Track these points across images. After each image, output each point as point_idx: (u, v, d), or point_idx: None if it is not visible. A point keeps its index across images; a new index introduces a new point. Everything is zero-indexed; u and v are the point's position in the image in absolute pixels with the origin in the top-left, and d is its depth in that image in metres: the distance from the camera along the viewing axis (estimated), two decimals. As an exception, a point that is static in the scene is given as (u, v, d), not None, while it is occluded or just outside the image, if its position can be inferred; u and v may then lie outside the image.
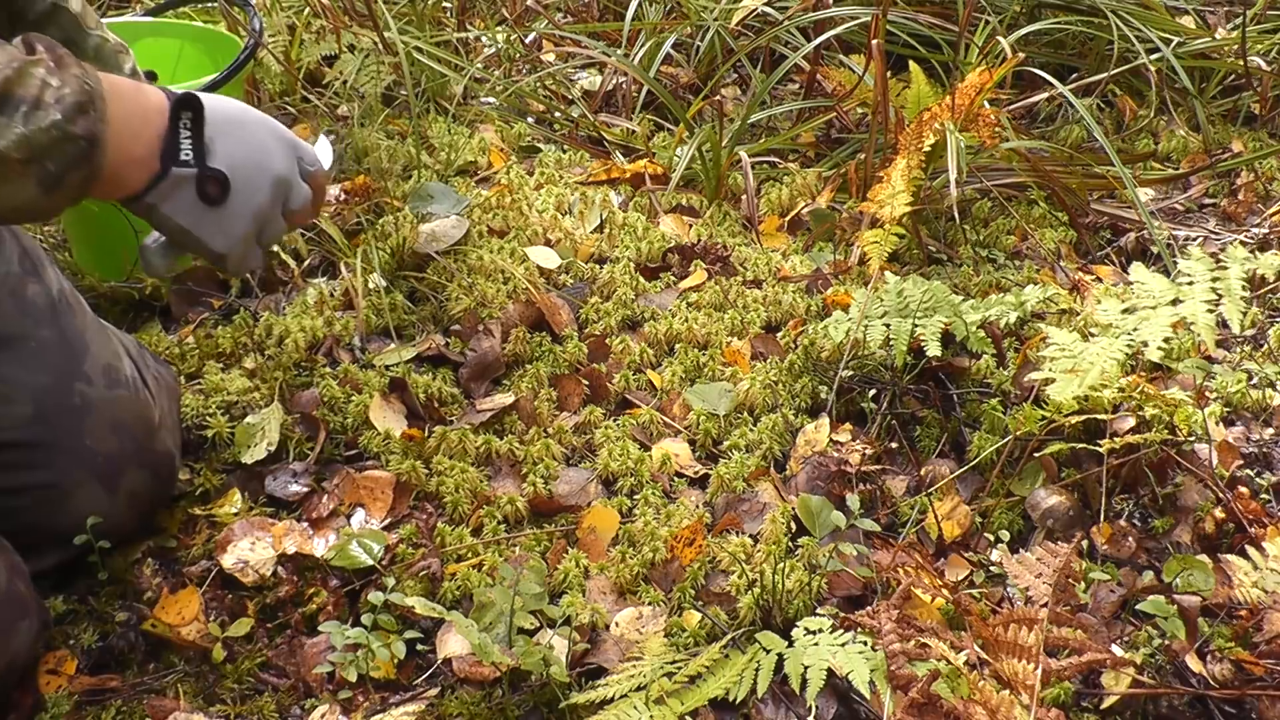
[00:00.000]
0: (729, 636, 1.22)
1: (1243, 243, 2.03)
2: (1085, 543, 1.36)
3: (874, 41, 1.90)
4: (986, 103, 1.85)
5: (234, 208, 1.05)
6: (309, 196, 1.13)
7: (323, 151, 1.24)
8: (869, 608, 1.10)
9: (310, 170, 1.13)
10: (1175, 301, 1.18)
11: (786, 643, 1.11)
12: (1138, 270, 1.27)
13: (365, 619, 1.23)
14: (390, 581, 1.26)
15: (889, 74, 2.14)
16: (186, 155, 1.01)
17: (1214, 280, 1.15)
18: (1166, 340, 1.14)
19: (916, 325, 1.52)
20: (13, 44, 0.93)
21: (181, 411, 1.45)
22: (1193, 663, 1.21)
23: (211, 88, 1.63)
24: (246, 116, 1.07)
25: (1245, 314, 1.14)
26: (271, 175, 1.07)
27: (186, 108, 1.01)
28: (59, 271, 1.30)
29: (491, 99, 2.43)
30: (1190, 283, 1.18)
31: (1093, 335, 1.26)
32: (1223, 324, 1.15)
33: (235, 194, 1.04)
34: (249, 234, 1.08)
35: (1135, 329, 1.17)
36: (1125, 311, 1.21)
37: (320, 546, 1.33)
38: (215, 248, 1.07)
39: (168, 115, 1.00)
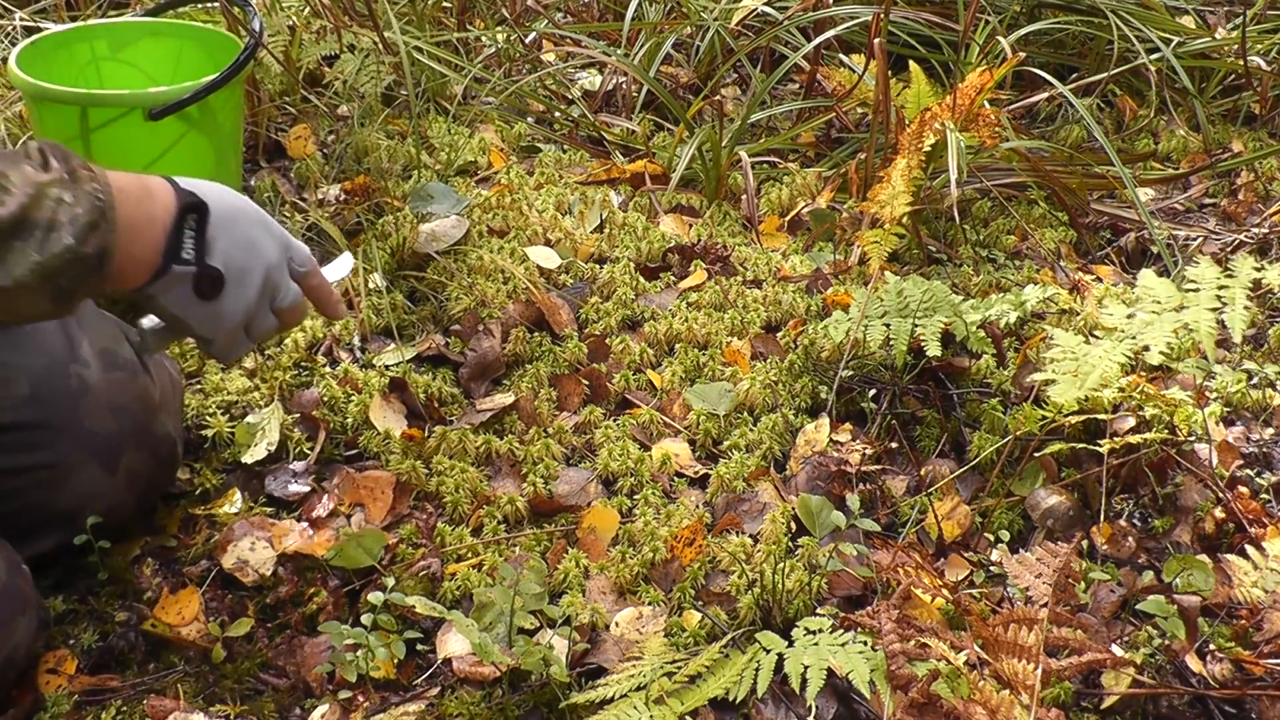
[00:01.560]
0: (729, 636, 1.22)
1: (1243, 242, 2.03)
2: (1085, 543, 1.36)
3: (875, 40, 1.91)
4: (986, 103, 1.85)
5: (226, 303, 1.08)
6: (299, 296, 1.15)
7: (343, 264, 1.30)
8: (869, 608, 1.10)
9: (301, 272, 1.15)
10: (1180, 308, 1.18)
11: (786, 643, 1.11)
12: (1146, 276, 1.27)
13: (365, 619, 1.23)
14: (390, 581, 1.26)
15: (889, 74, 2.14)
16: (188, 255, 1.04)
17: (1220, 288, 1.16)
18: (1169, 345, 1.14)
19: (916, 325, 1.52)
20: (26, 152, 0.94)
21: (183, 398, 1.45)
22: (1193, 663, 1.21)
23: (211, 88, 1.63)
24: (242, 213, 1.10)
25: (1247, 322, 1.14)
26: (261, 270, 1.10)
27: (193, 210, 1.04)
28: None
29: (492, 99, 2.43)
30: (1196, 289, 1.18)
31: (1094, 337, 1.26)
32: (1223, 328, 1.15)
33: (228, 290, 1.08)
34: (238, 326, 1.12)
35: (1138, 333, 1.17)
36: (1130, 316, 1.22)
37: (320, 546, 1.33)
38: (206, 336, 1.12)
39: (173, 217, 1.03)
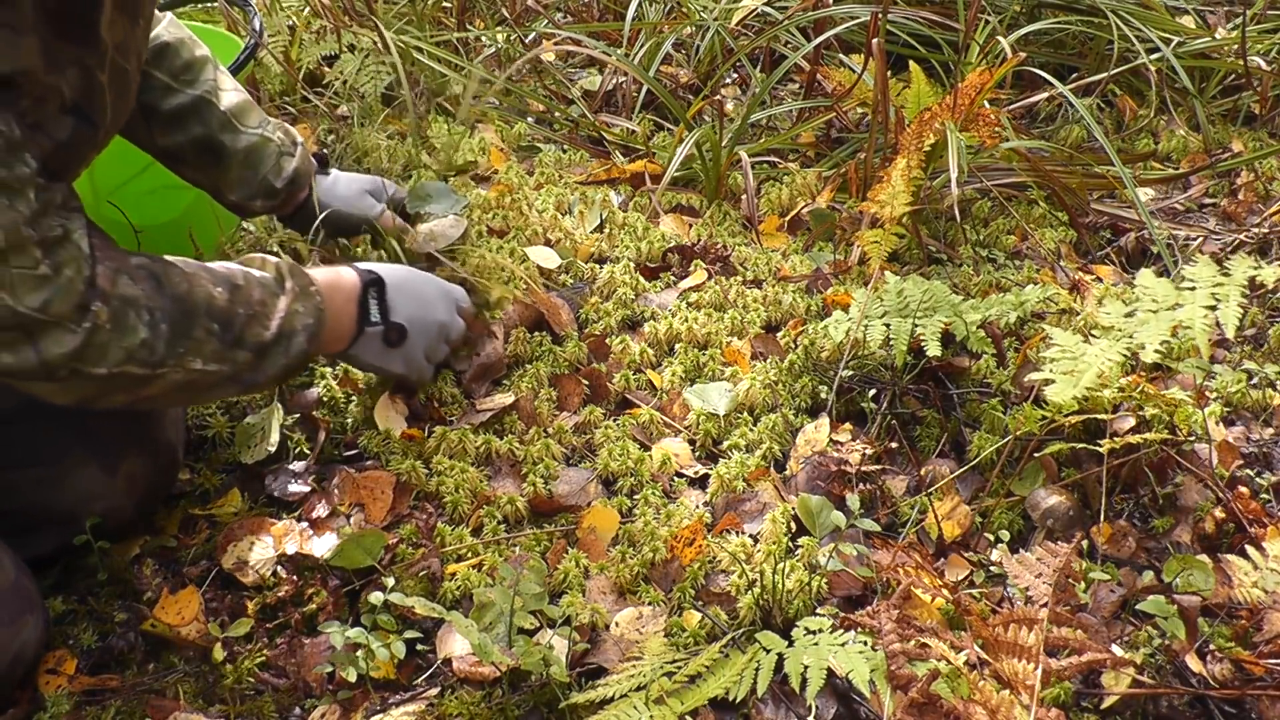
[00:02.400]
0: (729, 636, 1.22)
1: (1243, 242, 2.03)
2: (1085, 543, 1.36)
3: (874, 40, 1.90)
4: (986, 102, 1.85)
5: (410, 346, 1.41)
6: (463, 328, 1.51)
7: (453, 224, 1.77)
8: (869, 608, 1.10)
9: (463, 309, 1.52)
10: (1176, 306, 1.18)
11: (786, 643, 1.11)
12: (1144, 275, 1.27)
13: (365, 619, 1.23)
14: (390, 581, 1.26)
15: (889, 74, 2.14)
16: (375, 318, 1.36)
17: (1216, 286, 1.16)
18: (1164, 344, 1.14)
19: (916, 325, 1.52)
20: (267, 270, 1.22)
21: (185, 414, 1.45)
22: (1193, 663, 1.21)
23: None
24: (415, 278, 1.44)
25: (1244, 316, 1.14)
26: (436, 322, 1.45)
27: (373, 284, 1.36)
28: None
29: (492, 99, 2.43)
30: (1193, 288, 1.18)
31: (1094, 336, 1.26)
32: (1219, 327, 1.16)
33: (411, 337, 1.40)
34: (422, 359, 1.45)
35: (1135, 332, 1.17)
36: (1128, 315, 1.22)
37: (320, 546, 1.33)
38: (398, 372, 1.44)
39: (359, 293, 1.35)
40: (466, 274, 1.67)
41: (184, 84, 1.45)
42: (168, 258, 1.13)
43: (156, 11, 1.39)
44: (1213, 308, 1.14)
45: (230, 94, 1.50)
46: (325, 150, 2.14)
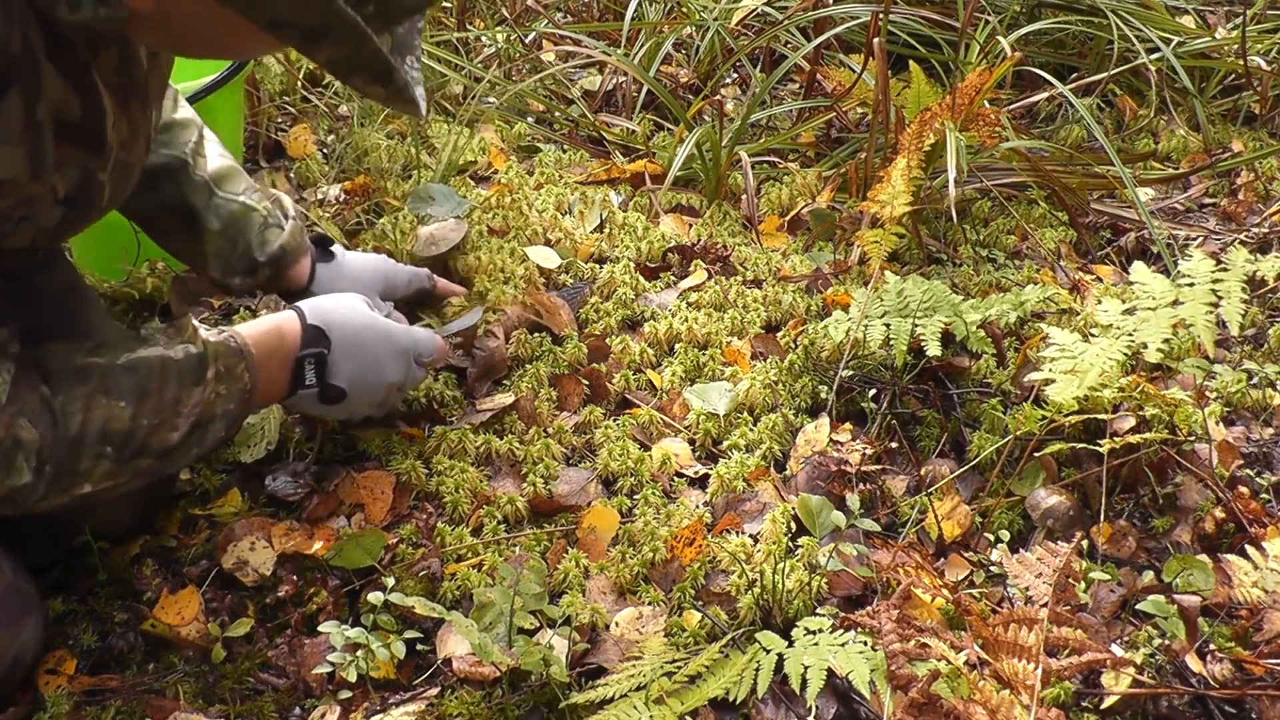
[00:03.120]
0: (729, 636, 1.22)
1: (1243, 242, 2.03)
2: (1085, 543, 1.35)
3: (875, 40, 1.90)
4: (986, 102, 1.85)
5: (351, 404, 1.33)
6: (423, 378, 1.43)
7: (472, 317, 1.62)
8: (869, 608, 1.10)
9: (427, 360, 1.41)
10: (1175, 303, 1.18)
11: (786, 643, 1.11)
12: (1139, 271, 1.26)
13: (365, 619, 1.23)
14: (390, 581, 1.26)
15: (889, 74, 2.14)
16: (310, 382, 1.28)
17: (1214, 282, 1.15)
18: (1166, 341, 1.13)
19: (916, 325, 1.52)
20: (192, 348, 1.14)
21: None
22: (1193, 663, 1.21)
23: (212, 88, 1.63)
24: (365, 336, 1.33)
25: (1245, 315, 1.14)
26: (383, 384, 1.36)
27: (315, 345, 1.28)
28: (70, 264, 1.31)
29: (492, 99, 2.43)
30: (1191, 284, 1.18)
31: (1093, 335, 1.26)
32: (1221, 324, 1.15)
33: (351, 397, 1.32)
34: (363, 413, 1.39)
35: (1135, 330, 1.17)
36: (1126, 312, 1.21)
37: (320, 546, 1.33)
38: (339, 419, 1.40)
39: (296, 360, 1.27)
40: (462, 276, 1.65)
41: (160, 144, 1.39)
42: (86, 361, 1.08)
43: None
44: (1214, 304, 1.14)
45: (214, 160, 1.44)
46: (325, 150, 2.14)
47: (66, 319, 1.25)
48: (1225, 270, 1.17)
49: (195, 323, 1.17)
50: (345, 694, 1.18)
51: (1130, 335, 1.17)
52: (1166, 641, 1.22)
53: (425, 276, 1.66)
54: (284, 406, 1.33)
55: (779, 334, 1.71)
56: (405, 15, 0.94)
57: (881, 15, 1.94)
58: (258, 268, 1.46)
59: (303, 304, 1.31)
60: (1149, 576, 1.31)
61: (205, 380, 1.13)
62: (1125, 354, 1.16)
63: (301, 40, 0.87)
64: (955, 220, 1.86)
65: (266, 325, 1.25)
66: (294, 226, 1.49)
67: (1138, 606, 1.26)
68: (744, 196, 2.06)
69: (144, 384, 1.09)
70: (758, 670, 1.09)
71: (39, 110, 0.92)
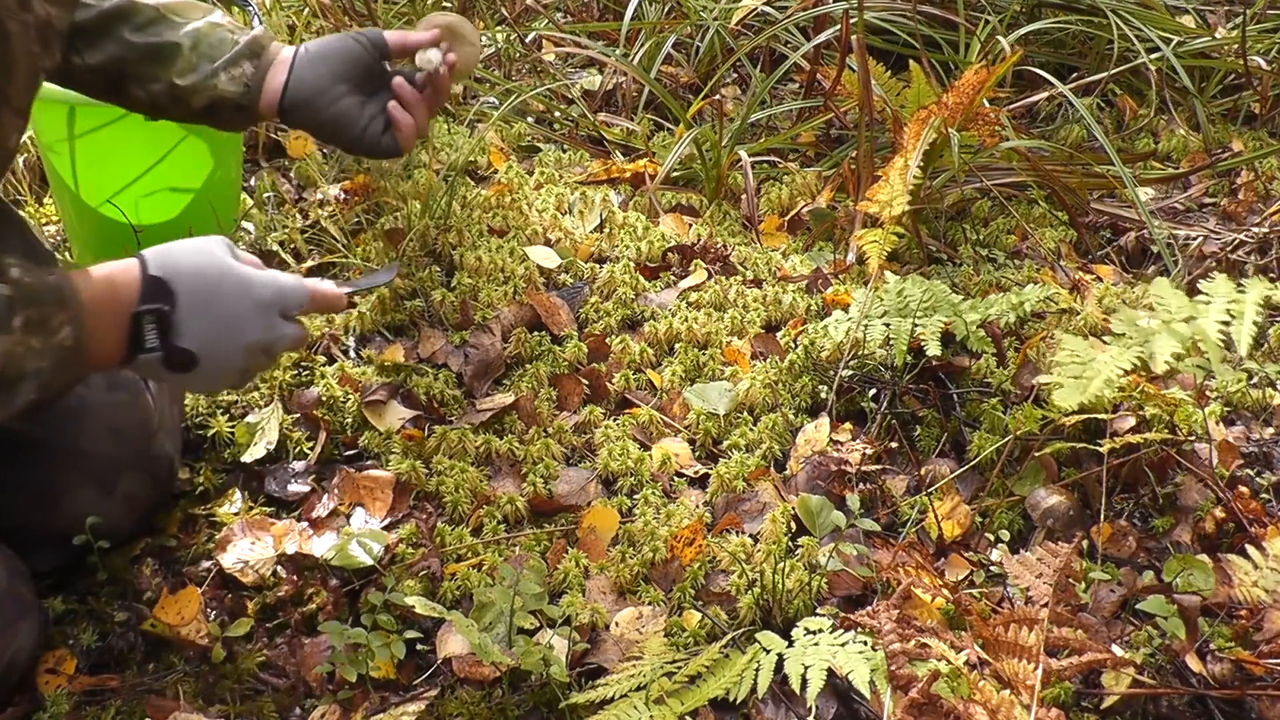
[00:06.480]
0: (729, 636, 1.22)
1: (1243, 241, 2.03)
2: (1085, 542, 1.35)
3: (853, 37, 1.90)
4: (986, 101, 1.85)
5: (205, 371, 1.07)
6: (294, 335, 1.12)
7: (387, 273, 1.43)
8: (869, 608, 1.10)
9: (295, 315, 1.13)
10: (1189, 319, 1.17)
11: (786, 643, 1.11)
12: (1160, 286, 1.24)
13: (365, 619, 1.23)
14: (390, 581, 1.26)
15: (890, 74, 2.14)
16: (152, 344, 1.04)
17: (1231, 303, 1.15)
18: (1174, 355, 1.13)
19: (916, 325, 1.52)
20: None
21: (182, 411, 1.45)
22: (1193, 663, 1.21)
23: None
24: (221, 288, 1.07)
25: (1256, 336, 1.12)
26: (242, 344, 1.08)
27: (155, 300, 1.03)
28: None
29: (492, 99, 2.43)
30: (1208, 302, 1.17)
31: (1105, 342, 1.24)
32: (1229, 345, 1.14)
33: (203, 364, 1.06)
34: (221, 383, 1.12)
35: (1147, 340, 1.16)
36: (1138, 323, 1.20)
37: (320, 546, 1.33)
38: (193, 391, 1.25)
39: (132, 317, 1.03)
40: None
41: None
42: None
43: None
44: (1226, 323, 1.13)
45: None
46: (325, 150, 2.14)
47: None
48: (1243, 292, 1.17)
49: (10, 260, 0.98)
50: (345, 694, 1.18)
51: (1143, 344, 1.16)
52: (1166, 641, 1.22)
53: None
54: (129, 369, 1.09)
55: (779, 334, 1.71)
56: None
57: (854, 11, 1.92)
58: (238, 60, 1.28)
59: (148, 251, 1.07)
60: (1149, 576, 1.31)
61: (10, 328, 0.94)
62: (1135, 364, 1.16)
63: None
64: (943, 217, 1.85)
65: (98, 273, 1.04)
66: (263, 31, 1.34)
67: (1138, 606, 1.26)
68: (744, 196, 2.06)
69: None
70: (758, 670, 1.09)
71: None
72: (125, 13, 1.26)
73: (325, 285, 1.16)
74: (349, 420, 1.52)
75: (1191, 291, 1.25)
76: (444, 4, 2.72)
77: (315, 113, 1.31)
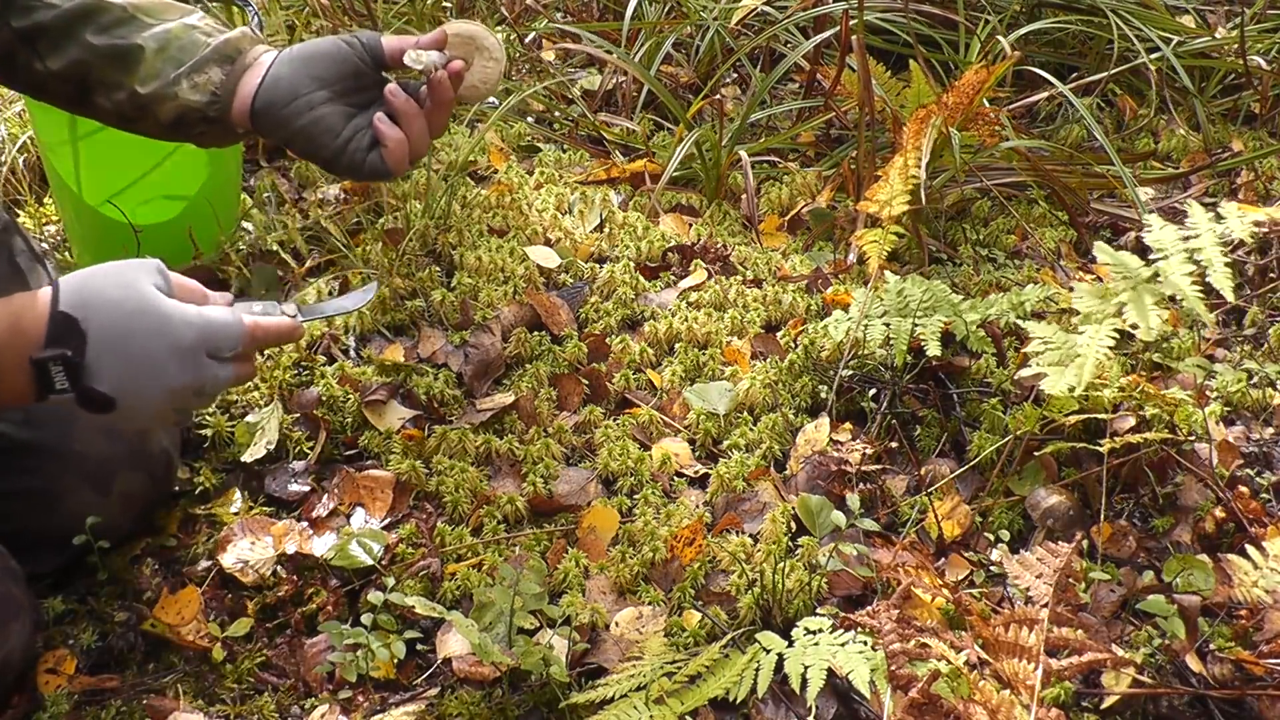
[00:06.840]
0: (729, 636, 1.22)
1: (1243, 241, 2.02)
2: (1085, 542, 1.35)
3: (852, 37, 1.90)
4: (986, 101, 1.85)
5: (126, 414, 0.99)
6: (229, 375, 1.03)
7: (365, 294, 1.20)
8: (869, 608, 1.10)
9: (229, 354, 1.02)
10: (1154, 278, 1.12)
11: (786, 643, 1.11)
12: (1102, 251, 1.16)
13: (365, 619, 1.23)
14: (390, 581, 1.26)
15: (890, 74, 2.14)
16: (61, 385, 0.96)
17: (1189, 249, 1.11)
18: (1159, 318, 1.07)
19: (916, 325, 1.52)
20: None
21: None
22: (1193, 663, 1.21)
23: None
24: (134, 327, 0.97)
25: (1232, 279, 1.07)
26: (164, 387, 0.98)
27: (60, 343, 0.95)
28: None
29: (492, 99, 2.43)
30: (1165, 256, 1.12)
31: (1076, 327, 1.21)
32: (1214, 294, 1.07)
33: (123, 406, 0.98)
34: (156, 423, 1.04)
35: (1119, 312, 1.11)
36: (1102, 297, 1.15)
37: (320, 546, 1.33)
38: (125, 428, 1.13)
39: (36, 359, 0.95)
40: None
41: None
42: None
43: None
44: (1197, 272, 1.08)
45: None
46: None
47: None
48: (1195, 236, 1.12)
49: None
50: (345, 694, 1.18)
51: (1116, 315, 1.11)
52: (1166, 641, 1.22)
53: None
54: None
55: (779, 334, 1.71)
56: None
57: (854, 11, 1.92)
58: (203, 66, 1.15)
59: (65, 280, 0.98)
60: (1149, 576, 1.31)
61: None
62: (1114, 338, 1.12)
63: None
64: (943, 217, 1.85)
65: (3, 309, 0.96)
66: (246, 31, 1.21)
67: (1138, 606, 1.26)
68: (744, 196, 2.06)
69: None
70: (758, 670, 1.09)
71: None
72: (89, 12, 1.14)
73: (272, 319, 1.06)
74: (349, 420, 1.52)
75: (1141, 252, 1.19)
76: (444, 4, 2.72)
77: (286, 120, 1.13)
